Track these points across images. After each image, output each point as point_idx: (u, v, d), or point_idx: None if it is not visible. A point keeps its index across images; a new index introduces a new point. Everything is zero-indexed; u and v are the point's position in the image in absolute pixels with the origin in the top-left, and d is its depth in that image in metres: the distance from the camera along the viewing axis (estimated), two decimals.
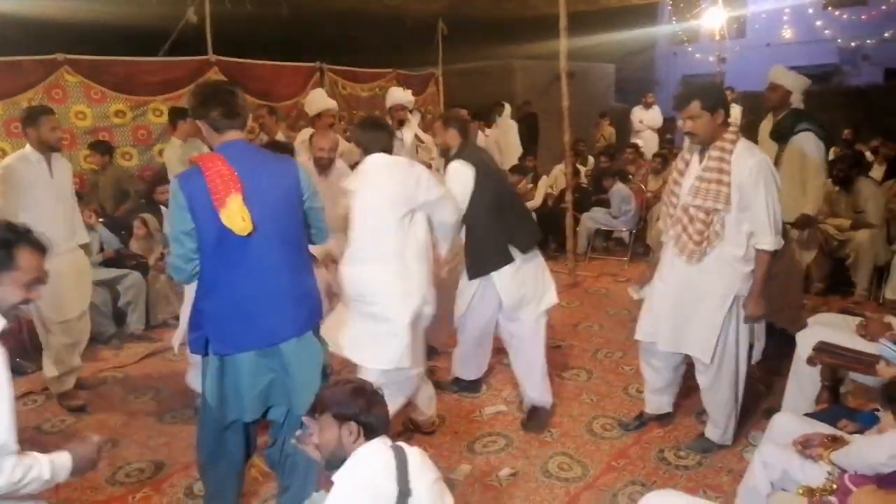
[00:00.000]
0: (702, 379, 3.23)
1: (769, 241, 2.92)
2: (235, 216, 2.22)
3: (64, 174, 4.06)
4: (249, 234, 2.27)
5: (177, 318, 5.46)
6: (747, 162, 2.89)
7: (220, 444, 2.56)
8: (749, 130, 9.62)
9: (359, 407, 1.91)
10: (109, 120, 6.31)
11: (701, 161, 3.04)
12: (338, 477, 1.86)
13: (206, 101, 2.39)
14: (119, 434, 3.71)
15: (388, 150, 3.23)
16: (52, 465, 1.82)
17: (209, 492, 2.72)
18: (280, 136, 6.42)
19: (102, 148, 5.98)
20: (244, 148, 2.45)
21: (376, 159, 3.16)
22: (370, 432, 1.92)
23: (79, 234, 4.18)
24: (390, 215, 3.04)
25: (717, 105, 2.95)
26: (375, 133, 3.23)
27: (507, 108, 9.15)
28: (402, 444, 1.94)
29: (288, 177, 2.45)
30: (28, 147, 3.89)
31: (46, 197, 3.86)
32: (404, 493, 1.80)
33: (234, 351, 2.37)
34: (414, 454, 1.90)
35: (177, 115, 5.94)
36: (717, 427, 3.29)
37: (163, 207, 5.70)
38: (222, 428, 2.52)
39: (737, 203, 2.91)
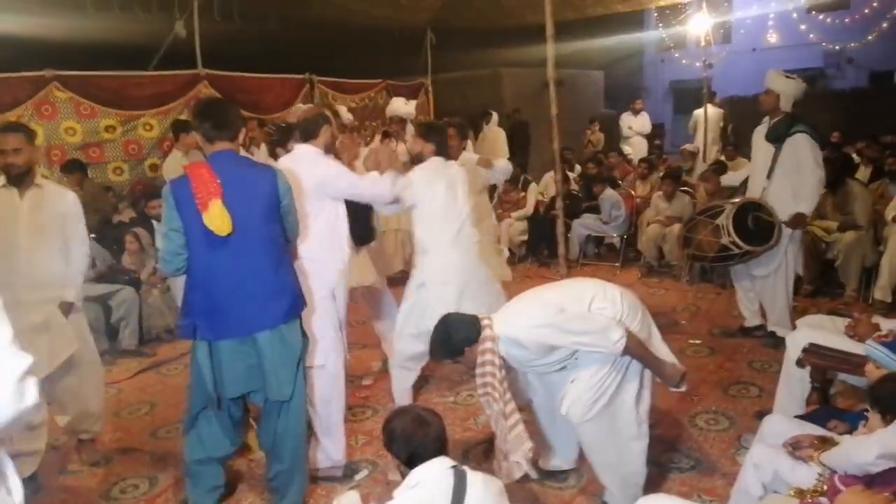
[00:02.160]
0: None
1: None
2: (216, 218, 2.50)
3: (42, 210, 3.17)
4: (229, 235, 2.54)
5: (169, 332, 5.48)
6: None
7: (195, 425, 2.83)
8: (735, 134, 9.75)
9: (392, 441, 2.10)
10: (100, 135, 6.32)
11: None
12: (397, 492, 1.98)
13: (199, 113, 2.70)
14: (113, 450, 3.70)
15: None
16: None
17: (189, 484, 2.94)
18: (263, 150, 6.44)
19: (74, 167, 5.91)
20: (230, 157, 2.68)
21: None
22: (414, 459, 2.03)
23: (65, 290, 3.22)
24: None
25: None
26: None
27: (495, 117, 9.18)
28: (466, 469, 1.99)
29: (266, 184, 2.69)
30: None
31: (8, 233, 3.09)
32: None
33: (216, 338, 2.68)
34: (476, 483, 1.95)
35: (179, 127, 5.96)
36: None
37: (154, 223, 5.70)
38: (201, 407, 2.80)
39: None
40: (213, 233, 2.51)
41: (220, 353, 2.68)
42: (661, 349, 2.77)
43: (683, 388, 2.77)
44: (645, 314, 2.78)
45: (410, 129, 6.70)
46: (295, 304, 2.80)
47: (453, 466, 1.99)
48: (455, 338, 2.68)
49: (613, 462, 2.77)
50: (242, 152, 3.87)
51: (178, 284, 5.27)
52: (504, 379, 2.67)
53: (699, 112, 9.58)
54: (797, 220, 4.30)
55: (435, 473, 1.97)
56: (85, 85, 6.24)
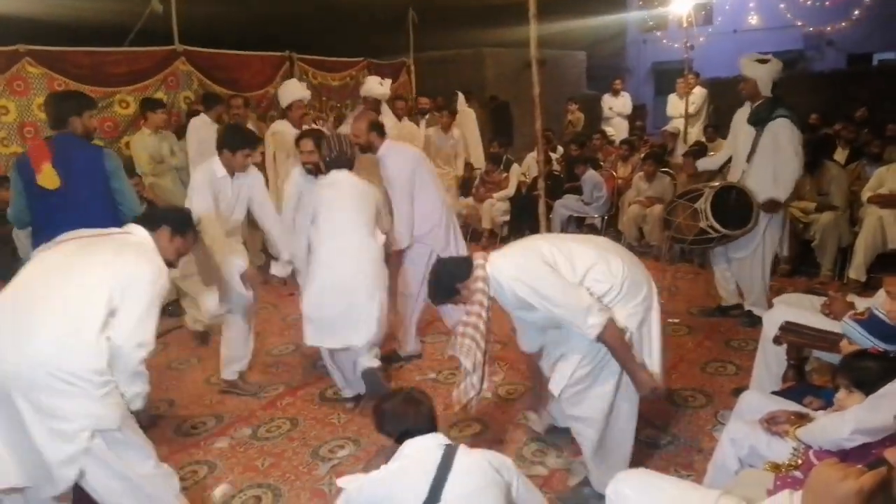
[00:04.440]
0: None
1: None
2: (46, 177, 3.36)
3: None
4: (58, 189, 3.36)
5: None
6: None
7: None
8: (717, 115, 9.78)
9: (384, 422, 2.15)
10: None
11: None
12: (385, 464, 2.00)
13: (44, 106, 3.37)
14: None
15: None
16: None
17: None
18: (250, 126, 6.37)
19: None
20: (66, 139, 3.49)
21: None
22: (406, 437, 2.04)
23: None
24: None
25: None
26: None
27: (461, 97, 9.04)
28: (458, 447, 1.99)
29: (93, 159, 3.51)
30: None
31: None
32: (431, 499, 1.85)
33: None
34: (463, 460, 1.94)
35: (147, 105, 5.85)
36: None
37: None
38: None
39: None
40: (47, 189, 3.34)
41: None
42: (654, 339, 2.66)
43: (650, 397, 2.68)
44: (649, 297, 2.67)
45: (386, 109, 6.65)
46: None
47: (446, 444, 1.99)
48: (445, 277, 2.72)
49: (596, 438, 2.75)
50: None
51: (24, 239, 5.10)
52: (489, 320, 2.64)
53: (673, 96, 9.62)
54: (770, 206, 4.33)
55: (423, 447, 1.99)
56: (59, 60, 6.09)
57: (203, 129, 5.76)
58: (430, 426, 2.09)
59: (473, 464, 1.96)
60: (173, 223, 2.73)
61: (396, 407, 2.12)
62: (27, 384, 2.14)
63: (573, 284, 2.54)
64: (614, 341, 2.51)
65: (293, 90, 5.88)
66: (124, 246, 2.49)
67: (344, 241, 3.56)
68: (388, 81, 6.59)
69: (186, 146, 5.87)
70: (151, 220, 2.71)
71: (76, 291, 2.28)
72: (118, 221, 3.03)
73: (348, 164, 3.76)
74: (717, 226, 4.32)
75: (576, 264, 2.59)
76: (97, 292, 2.27)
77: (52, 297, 2.26)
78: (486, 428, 3.53)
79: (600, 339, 2.48)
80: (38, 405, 2.15)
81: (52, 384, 2.14)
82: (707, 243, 4.55)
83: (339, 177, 3.71)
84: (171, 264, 2.68)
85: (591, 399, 2.68)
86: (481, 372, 2.65)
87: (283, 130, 5.74)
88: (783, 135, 4.27)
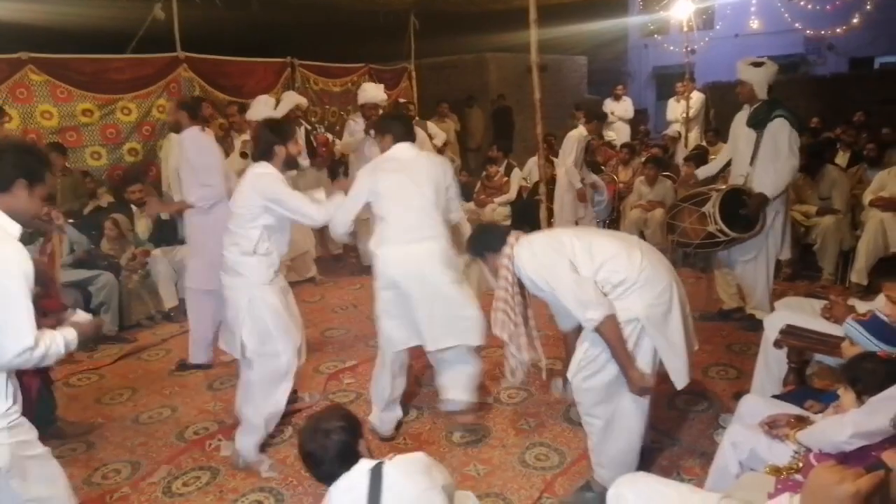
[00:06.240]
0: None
1: None
2: None
3: None
4: None
5: (150, 318, 5.44)
6: None
7: None
8: (717, 120, 9.79)
9: (309, 469, 1.97)
10: (77, 119, 6.22)
11: None
12: None
13: None
14: (94, 436, 3.68)
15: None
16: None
17: None
18: (249, 135, 6.40)
19: (60, 150, 5.73)
20: None
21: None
22: (330, 479, 1.87)
23: None
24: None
25: None
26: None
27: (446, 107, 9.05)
28: (385, 462, 1.87)
29: None
30: None
31: None
32: None
33: None
34: (392, 474, 1.83)
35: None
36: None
37: (134, 207, 5.65)
38: None
39: None
40: None
41: None
42: (675, 333, 2.71)
43: (641, 395, 2.71)
44: (669, 290, 2.70)
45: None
46: None
47: (371, 468, 1.85)
48: (479, 241, 3.03)
49: (600, 426, 2.79)
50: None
51: (160, 269, 5.24)
52: (517, 294, 2.84)
53: (672, 100, 9.67)
54: (757, 200, 4.27)
55: (347, 484, 1.85)
56: (61, 68, 6.13)
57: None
58: (349, 456, 1.89)
59: (405, 475, 1.85)
60: (26, 170, 2.11)
61: (309, 449, 1.92)
62: None
63: (581, 278, 2.65)
64: (610, 336, 2.60)
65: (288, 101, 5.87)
66: None
67: None
68: (381, 86, 6.60)
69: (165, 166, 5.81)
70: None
71: None
72: None
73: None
74: (726, 229, 4.30)
75: (594, 253, 2.71)
76: None
77: None
78: (487, 433, 3.53)
79: (598, 331, 2.61)
80: None
81: None
82: (713, 247, 4.53)
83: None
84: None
85: (595, 388, 2.74)
86: (518, 342, 2.88)
87: None
88: (780, 135, 4.27)
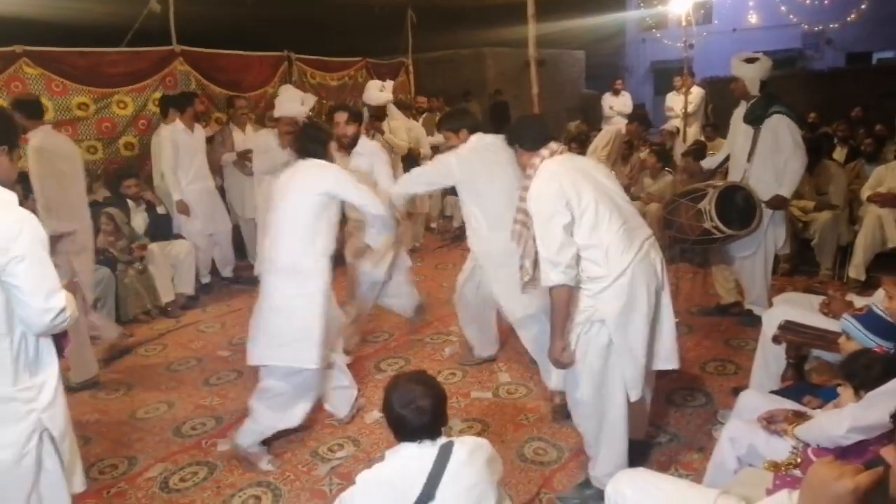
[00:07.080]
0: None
1: None
2: None
3: None
4: None
5: (146, 312, 5.42)
6: None
7: None
8: (716, 115, 9.76)
9: (387, 411, 1.95)
10: (72, 113, 6.17)
11: None
12: (377, 465, 1.93)
13: None
14: (91, 431, 3.67)
15: None
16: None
17: None
18: (249, 130, 6.37)
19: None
20: None
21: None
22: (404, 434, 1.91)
23: None
24: None
25: None
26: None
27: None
28: (456, 441, 1.91)
29: None
30: None
31: None
32: (426, 496, 1.81)
33: None
34: (460, 456, 1.87)
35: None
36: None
37: (129, 202, 5.62)
38: None
39: None
40: None
41: None
42: (636, 350, 2.67)
43: (555, 367, 2.75)
44: (648, 272, 2.70)
45: (393, 110, 6.68)
46: None
47: (443, 444, 1.91)
48: (519, 130, 2.92)
49: (588, 415, 2.78)
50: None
51: (157, 264, 5.21)
52: None
53: (671, 94, 9.66)
54: (777, 202, 4.31)
55: (418, 451, 1.91)
56: (56, 61, 6.08)
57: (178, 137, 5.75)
58: (433, 423, 1.92)
59: (469, 458, 1.90)
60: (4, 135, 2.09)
61: (400, 400, 1.92)
62: None
63: (566, 241, 2.57)
64: (558, 302, 2.61)
65: (285, 105, 5.72)
66: None
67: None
68: (390, 83, 6.58)
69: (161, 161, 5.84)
70: None
71: None
72: None
73: None
74: (721, 226, 4.29)
75: (599, 230, 2.61)
76: None
77: None
78: (486, 427, 3.52)
79: (550, 293, 2.61)
80: None
81: None
82: (710, 243, 4.52)
83: None
84: None
85: (581, 382, 2.72)
86: (534, 257, 2.75)
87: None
88: (782, 131, 4.24)
